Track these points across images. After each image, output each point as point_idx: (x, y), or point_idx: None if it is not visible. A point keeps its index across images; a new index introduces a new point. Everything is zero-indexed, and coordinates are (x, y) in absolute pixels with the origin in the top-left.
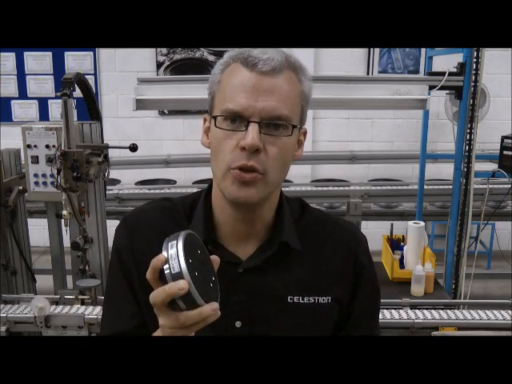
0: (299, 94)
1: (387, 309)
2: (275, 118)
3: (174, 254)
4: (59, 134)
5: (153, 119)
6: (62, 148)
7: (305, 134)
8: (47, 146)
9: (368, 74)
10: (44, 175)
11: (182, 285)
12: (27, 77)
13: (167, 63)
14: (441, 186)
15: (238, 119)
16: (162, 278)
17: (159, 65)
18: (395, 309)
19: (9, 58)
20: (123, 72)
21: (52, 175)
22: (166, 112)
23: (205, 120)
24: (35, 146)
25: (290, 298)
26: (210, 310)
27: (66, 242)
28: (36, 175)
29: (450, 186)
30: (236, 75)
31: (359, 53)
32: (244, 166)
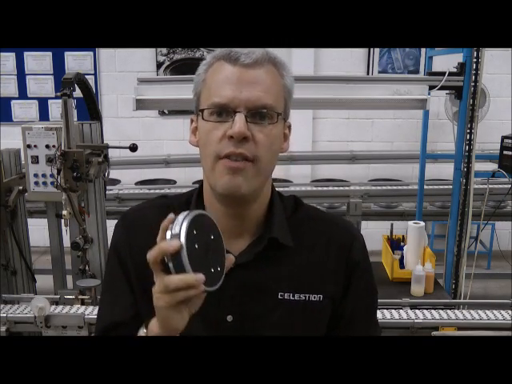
0: (282, 88)
1: (387, 309)
2: (260, 107)
3: (180, 218)
4: (59, 134)
5: (153, 119)
6: (62, 148)
7: (289, 127)
8: (47, 146)
9: (368, 74)
10: (44, 175)
11: (174, 243)
12: (27, 77)
13: (167, 63)
14: (441, 186)
15: (224, 112)
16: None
17: (159, 65)
18: (395, 309)
19: (9, 58)
20: (123, 72)
21: (52, 175)
22: (166, 112)
23: (192, 121)
24: (35, 146)
25: (281, 295)
26: (193, 278)
27: (66, 242)
28: (36, 175)
29: (450, 186)
30: (220, 71)
31: (359, 53)
32: (232, 153)
